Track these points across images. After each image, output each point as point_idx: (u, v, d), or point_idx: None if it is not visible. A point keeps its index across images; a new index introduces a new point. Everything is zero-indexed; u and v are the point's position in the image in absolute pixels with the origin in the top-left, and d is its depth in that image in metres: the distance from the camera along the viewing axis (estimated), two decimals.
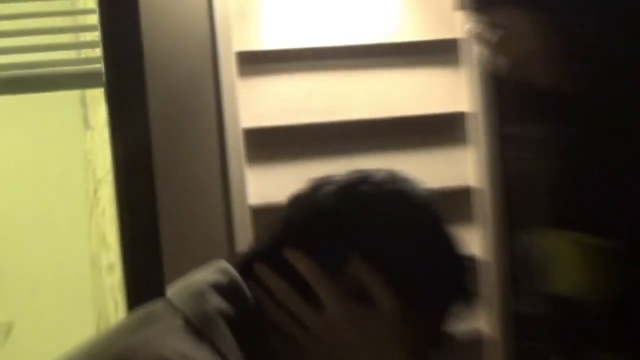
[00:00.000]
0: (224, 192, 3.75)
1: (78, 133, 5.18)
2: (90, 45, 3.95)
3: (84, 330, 4.75)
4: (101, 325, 5.22)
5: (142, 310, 2.44)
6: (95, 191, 5.15)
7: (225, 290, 2.32)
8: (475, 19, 2.91)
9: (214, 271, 2.40)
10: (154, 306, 2.39)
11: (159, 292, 3.03)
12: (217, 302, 2.29)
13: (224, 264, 2.42)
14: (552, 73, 2.86)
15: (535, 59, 2.87)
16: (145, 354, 2.23)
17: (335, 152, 3.93)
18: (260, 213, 3.76)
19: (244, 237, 3.76)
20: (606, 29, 2.77)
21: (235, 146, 3.74)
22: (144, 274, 3.70)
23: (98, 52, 3.86)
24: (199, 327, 2.23)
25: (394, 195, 2.41)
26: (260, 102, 3.74)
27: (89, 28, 3.99)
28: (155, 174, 3.67)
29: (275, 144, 3.59)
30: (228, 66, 3.58)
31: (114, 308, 4.78)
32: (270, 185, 3.71)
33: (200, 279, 2.36)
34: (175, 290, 2.38)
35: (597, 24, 2.79)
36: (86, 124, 4.99)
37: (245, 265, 2.36)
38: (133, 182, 3.72)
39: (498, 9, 2.89)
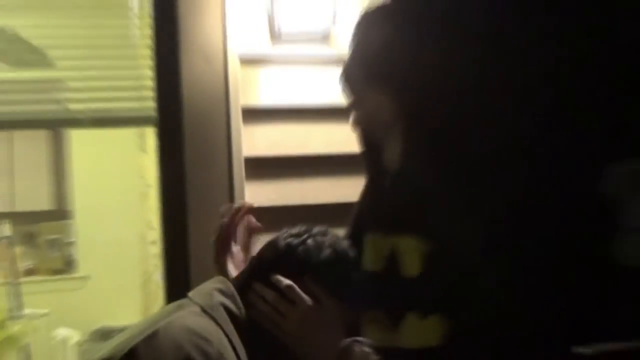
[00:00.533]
0: (230, 196, 3.89)
1: (136, 154, 5.40)
2: (148, 99, 4.00)
3: (134, 282, 5.08)
4: (145, 279, 5.38)
5: (173, 304, 2.90)
6: (145, 193, 5.44)
7: (225, 292, 2.83)
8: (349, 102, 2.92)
9: (217, 281, 2.89)
10: (181, 301, 2.87)
11: (184, 259, 3.42)
12: (220, 299, 2.79)
13: (223, 279, 2.92)
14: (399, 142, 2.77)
15: (387, 130, 2.79)
16: (177, 325, 2.68)
17: (303, 175, 4.06)
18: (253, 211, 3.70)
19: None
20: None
21: (238, 167, 3.90)
22: (175, 246, 3.86)
23: (152, 103, 4.00)
24: (209, 313, 2.71)
25: (325, 244, 2.85)
26: (255, 139, 3.93)
27: (148, 87, 4.02)
28: (186, 184, 3.89)
29: (264, 167, 3.70)
30: (236, 115, 3.76)
31: (153, 268, 4.97)
32: (260, 194, 3.89)
33: (209, 285, 2.87)
34: (193, 292, 2.86)
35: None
36: (142, 148, 5.15)
37: (239, 283, 2.85)
38: (170, 187, 3.94)
39: (362, 92, 2.85)
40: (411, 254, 2.78)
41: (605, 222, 2.91)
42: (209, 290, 2.83)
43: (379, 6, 2.82)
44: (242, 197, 3.96)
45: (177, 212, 3.92)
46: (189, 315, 2.79)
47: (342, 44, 4.06)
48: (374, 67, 2.79)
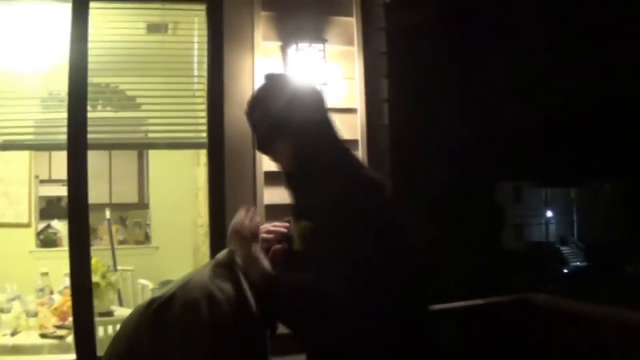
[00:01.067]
0: (254, 196, 3.90)
1: (192, 167, 5.42)
2: (202, 131, 3.99)
3: (188, 251, 5.07)
4: (195, 249, 5.39)
5: (208, 262, 2.80)
6: (197, 194, 5.44)
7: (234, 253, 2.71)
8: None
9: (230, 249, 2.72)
10: (211, 262, 2.74)
11: (222, 236, 3.42)
12: (232, 257, 2.69)
13: (234, 249, 2.73)
14: None
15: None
16: (203, 274, 2.63)
17: None
18: (268, 208, 3.91)
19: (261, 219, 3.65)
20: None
21: (260, 178, 3.93)
22: (216, 228, 3.89)
23: (205, 134, 4.04)
24: (227, 268, 2.65)
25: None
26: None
27: (202, 124, 4.01)
28: (225, 187, 3.91)
29: (276, 178, 3.45)
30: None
31: (201, 242, 4.95)
32: (273, 196, 3.83)
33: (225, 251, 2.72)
34: (220, 254, 2.74)
35: None
36: (196, 163, 5.14)
37: None
38: (215, 189, 3.97)
39: (269, 147, 2.73)
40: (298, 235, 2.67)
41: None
42: (226, 252, 2.82)
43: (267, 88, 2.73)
44: (262, 197, 3.95)
45: (219, 206, 3.95)
46: (212, 269, 2.78)
47: None
48: (277, 125, 2.68)
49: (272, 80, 2.77)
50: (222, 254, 2.81)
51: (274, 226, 2.81)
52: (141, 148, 5.62)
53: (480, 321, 4.84)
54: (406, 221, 2.65)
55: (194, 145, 4.52)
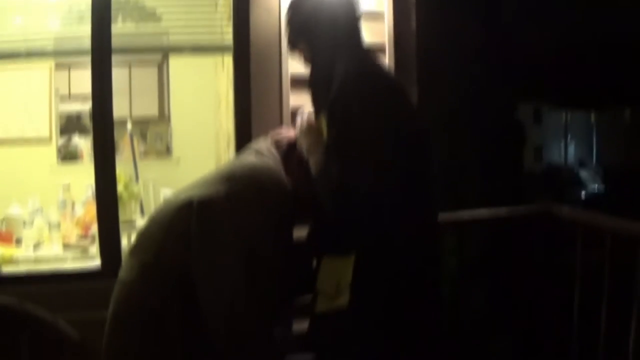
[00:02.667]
0: (280, 101, 3.89)
1: (214, 78, 5.38)
2: (228, 34, 3.98)
3: (210, 161, 5.23)
4: (217, 160, 5.44)
5: (241, 154, 3.00)
6: (219, 104, 5.42)
7: (270, 145, 2.74)
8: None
9: (265, 140, 2.95)
10: (245, 152, 2.96)
11: (249, 137, 3.41)
12: (268, 147, 2.72)
13: (269, 140, 3.00)
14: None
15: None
16: (248, 165, 2.68)
17: None
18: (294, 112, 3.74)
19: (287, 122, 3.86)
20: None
21: (286, 82, 3.91)
22: (243, 129, 3.93)
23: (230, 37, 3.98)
24: (263, 155, 2.68)
25: None
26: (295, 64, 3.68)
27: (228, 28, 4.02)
28: (251, 91, 3.91)
29: (302, 83, 3.41)
30: (285, 48, 3.40)
31: (223, 152, 4.94)
32: (298, 99, 3.75)
33: (261, 141, 2.91)
34: (249, 147, 2.82)
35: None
36: (221, 68, 5.05)
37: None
38: (241, 93, 3.96)
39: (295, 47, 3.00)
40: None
41: None
42: (258, 144, 2.86)
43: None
44: (288, 101, 3.93)
45: (244, 110, 3.94)
46: (250, 157, 2.82)
47: None
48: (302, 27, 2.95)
49: None
50: (258, 141, 2.90)
51: (282, 132, 3.09)
52: (165, 52, 5.56)
53: (502, 231, 4.85)
54: (412, 116, 2.86)
55: (218, 50, 4.48)
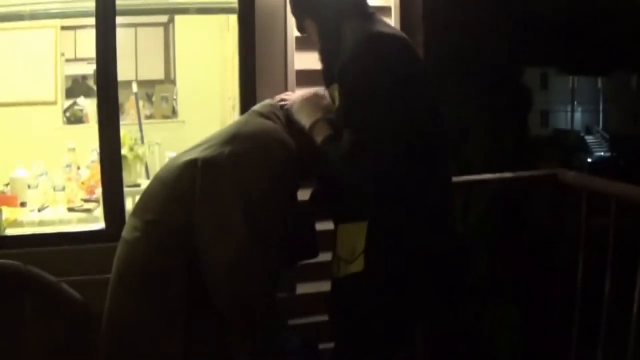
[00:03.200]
0: (285, 60, 3.84)
1: (217, 40, 5.35)
2: None
3: (215, 124, 5.13)
4: (222, 122, 5.36)
5: (245, 115, 3.01)
6: (224, 66, 5.38)
7: (273, 104, 2.74)
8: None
9: (270, 101, 2.97)
10: (249, 113, 2.94)
11: (254, 98, 3.39)
12: (273, 108, 2.71)
13: (273, 102, 3.00)
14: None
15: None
16: (250, 125, 2.66)
17: None
18: (299, 74, 3.86)
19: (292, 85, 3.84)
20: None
21: (291, 41, 3.85)
22: (247, 90, 3.85)
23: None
24: (267, 116, 2.67)
25: None
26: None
27: None
28: (255, 50, 3.83)
29: (308, 43, 3.29)
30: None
31: (228, 115, 4.91)
32: (304, 60, 3.71)
33: (266, 103, 2.88)
34: (256, 107, 2.80)
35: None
36: (226, 28, 5.00)
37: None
38: (246, 54, 3.89)
39: (302, 28, 3.03)
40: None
41: None
42: (265, 104, 2.85)
43: None
44: (293, 62, 3.89)
45: (249, 70, 3.87)
46: (255, 118, 2.81)
47: None
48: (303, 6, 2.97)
49: None
50: (262, 103, 2.89)
51: (288, 95, 3.08)
52: (170, 13, 5.53)
53: (506, 194, 4.84)
54: (425, 76, 2.83)
55: (223, 10, 4.41)
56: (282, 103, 3.01)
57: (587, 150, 33.72)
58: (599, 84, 38.02)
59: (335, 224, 2.88)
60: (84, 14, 3.98)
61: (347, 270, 2.72)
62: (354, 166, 2.59)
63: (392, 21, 3.97)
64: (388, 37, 2.75)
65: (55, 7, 4.22)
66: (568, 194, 4.10)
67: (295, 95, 3.06)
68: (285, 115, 2.94)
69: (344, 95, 2.70)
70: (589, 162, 31.37)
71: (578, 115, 38.17)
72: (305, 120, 2.84)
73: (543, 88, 34.57)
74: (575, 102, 38.03)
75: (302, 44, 3.70)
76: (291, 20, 3.65)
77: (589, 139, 35.75)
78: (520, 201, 4.73)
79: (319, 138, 2.76)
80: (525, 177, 4.44)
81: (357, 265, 2.66)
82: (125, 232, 2.84)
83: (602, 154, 34.29)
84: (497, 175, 4.36)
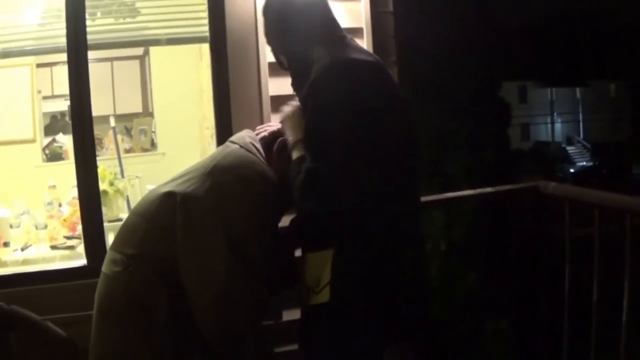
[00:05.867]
0: (259, 89, 3.82)
1: (193, 69, 5.32)
2: (203, 22, 3.88)
3: (194, 155, 5.08)
4: (202, 153, 5.36)
5: (219, 148, 2.99)
6: (201, 96, 5.37)
7: (251, 136, 2.70)
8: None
9: (246, 132, 2.95)
10: (224, 145, 2.93)
11: (229, 132, 3.38)
12: (251, 139, 2.69)
13: (251, 133, 2.99)
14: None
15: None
16: (230, 157, 2.64)
17: None
18: (274, 99, 3.81)
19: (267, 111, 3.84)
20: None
21: (264, 68, 3.83)
22: (223, 124, 3.84)
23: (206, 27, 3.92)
24: (245, 148, 2.66)
25: None
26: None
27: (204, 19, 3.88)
28: (229, 80, 3.83)
29: (281, 70, 3.34)
30: (262, 35, 3.31)
31: (207, 145, 4.89)
32: (278, 86, 3.73)
33: (243, 134, 2.77)
34: (234, 138, 2.77)
35: None
36: (199, 59, 5.00)
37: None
38: (219, 82, 3.88)
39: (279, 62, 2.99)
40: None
41: None
42: (244, 136, 2.84)
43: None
44: (267, 89, 3.88)
45: (223, 98, 3.88)
46: (232, 151, 2.80)
47: None
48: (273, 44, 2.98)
49: (266, 1, 2.97)
50: (239, 135, 2.88)
51: (268, 126, 3.10)
52: (142, 45, 5.51)
53: (489, 209, 4.85)
54: (398, 102, 2.78)
55: (195, 40, 4.36)
56: (260, 131, 3.00)
57: (569, 160, 33.95)
58: (578, 94, 38.33)
59: (303, 252, 2.83)
60: (57, 50, 3.96)
61: (314, 300, 2.68)
62: (308, 194, 2.58)
63: (365, 42, 3.97)
64: (353, 63, 2.70)
65: (28, 44, 4.21)
66: (552, 204, 4.08)
67: (273, 125, 3.07)
68: (265, 143, 2.94)
69: (306, 122, 2.67)
70: (572, 172, 31.57)
71: (558, 126, 38.44)
72: (289, 135, 2.83)
73: (522, 101, 34.80)
74: (555, 114, 38.29)
75: (276, 70, 3.65)
76: (263, 47, 3.69)
77: (571, 149, 35.99)
78: (505, 213, 4.71)
79: (294, 157, 2.74)
80: (506, 191, 4.44)
81: (324, 296, 2.62)
82: (105, 267, 2.82)
83: (584, 163, 34.53)
84: (478, 190, 4.36)
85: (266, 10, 2.97)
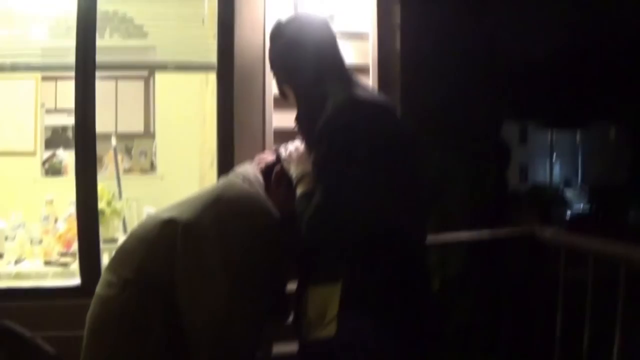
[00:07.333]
0: (263, 119, 3.87)
1: (198, 94, 5.35)
2: (213, 52, 3.92)
3: (194, 178, 5.14)
4: (201, 176, 5.41)
5: (221, 179, 2.98)
6: (204, 122, 5.40)
7: (255, 170, 2.73)
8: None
9: (250, 165, 2.91)
10: (226, 177, 2.92)
11: (232, 160, 3.38)
12: (254, 173, 2.70)
13: (254, 165, 2.95)
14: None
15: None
16: (233, 190, 2.65)
17: None
18: (277, 133, 3.86)
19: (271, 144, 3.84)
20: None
21: (269, 100, 3.88)
22: (226, 151, 3.88)
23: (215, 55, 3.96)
24: (249, 180, 2.67)
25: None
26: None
27: (212, 46, 3.93)
28: (234, 108, 3.88)
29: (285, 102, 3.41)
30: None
31: (207, 169, 4.91)
32: (282, 119, 3.76)
33: (247, 167, 2.82)
34: (238, 170, 2.78)
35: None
36: (205, 84, 5.02)
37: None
38: (224, 109, 3.92)
39: (283, 95, 2.95)
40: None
41: None
42: (246, 169, 2.85)
43: None
44: (271, 121, 3.92)
45: (227, 128, 3.93)
46: (237, 183, 2.81)
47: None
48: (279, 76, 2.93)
49: (274, 31, 2.91)
50: (241, 168, 2.88)
51: (262, 156, 3.04)
52: (149, 68, 5.55)
53: (485, 252, 4.84)
54: (406, 140, 2.75)
55: (203, 67, 4.45)
56: (262, 166, 3.00)
57: (566, 204, 33.92)
58: (578, 137, 38.40)
59: (305, 285, 2.79)
60: (64, 67, 3.99)
61: (316, 334, 2.65)
62: (318, 229, 2.55)
63: (370, 79, 4.03)
64: (366, 103, 2.69)
65: (36, 60, 4.25)
66: (547, 250, 4.10)
67: (272, 154, 3.04)
68: (263, 173, 2.95)
69: (319, 157, 2.64)
70: (569, 216, 31.51)
71: (557, 168, 38.48)
72: (294, 171, 2.81)
73: (522, 142, 34.91)
74: (555, 155, 38.35)
75: (281, 103, 3.66)
76: (270, 79, 3.73)
77: (569, 191, 35.99)
78: (500, 255, 4.71)
79: (299, 192, 2.72)
80: (502, 236, 4.42)
81: (329, 331, 2.59)
82: (100, 288, 2.79)
83: (582, 206, 34.51)
84: (474, 233, 4.36)
85: (275, 36, 2.93)
